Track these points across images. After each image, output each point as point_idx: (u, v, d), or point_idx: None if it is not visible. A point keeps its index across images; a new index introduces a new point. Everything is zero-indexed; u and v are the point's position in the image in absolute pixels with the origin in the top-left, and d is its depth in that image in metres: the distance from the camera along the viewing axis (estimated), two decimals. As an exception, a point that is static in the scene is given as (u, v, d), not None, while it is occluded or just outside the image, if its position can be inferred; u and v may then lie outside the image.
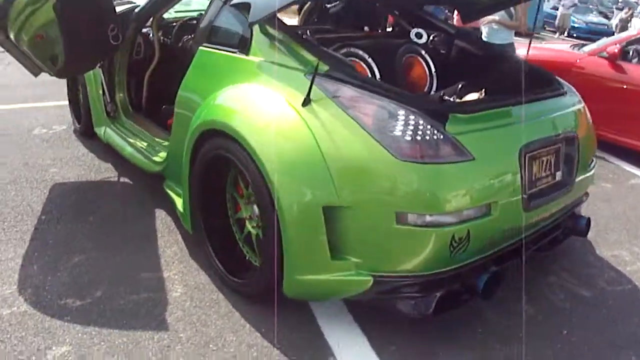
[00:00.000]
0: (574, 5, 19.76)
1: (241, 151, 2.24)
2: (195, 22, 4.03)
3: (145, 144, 3.51)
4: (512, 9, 4.81)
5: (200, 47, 2.84)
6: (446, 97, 2.82)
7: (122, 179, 3.80)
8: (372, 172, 2.02)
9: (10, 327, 2.29)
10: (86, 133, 4.45)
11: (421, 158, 2.00)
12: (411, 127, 2.04)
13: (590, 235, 3.01)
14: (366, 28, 3.87)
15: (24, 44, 3.21)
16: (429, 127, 2.06)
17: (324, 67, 2.26)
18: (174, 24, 3.97)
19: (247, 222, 2.51)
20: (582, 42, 7.06)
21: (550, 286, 2.76)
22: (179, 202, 2.86)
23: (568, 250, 3.09)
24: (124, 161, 3.76)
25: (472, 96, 2.78)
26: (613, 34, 12.33)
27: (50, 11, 2.96)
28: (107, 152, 4.11)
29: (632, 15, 18.13)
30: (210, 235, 2.64)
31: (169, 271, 2.72)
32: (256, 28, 2.56)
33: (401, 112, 2.09)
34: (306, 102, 2.16)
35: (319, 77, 2.20)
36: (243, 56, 2.59)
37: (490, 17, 4.80)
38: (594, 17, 20.08)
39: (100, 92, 3.90)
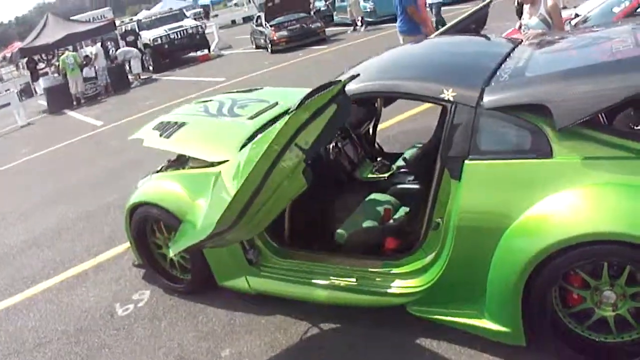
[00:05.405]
0: None
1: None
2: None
3: (352, 279, 2.95)
4: None
5: (467, 162, 2.54)
6: None
7: (319, 327, 3.11)
8: None
9: None
10: (196, 291, 3.69)
11: None
12: None
13: None
14: None
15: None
16: None
17: None
18: None
19: (596, 310, 2.38)
20: None
21: None
22: (480, 322, 2.58)
23: None
24: (303, 306, 3.20)
25: None
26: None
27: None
28: (258, 303, 3.40)
29: None
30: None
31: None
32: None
33: None
34: None
35: None
36: (546, 160, 2.37)
37: None
38: None
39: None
